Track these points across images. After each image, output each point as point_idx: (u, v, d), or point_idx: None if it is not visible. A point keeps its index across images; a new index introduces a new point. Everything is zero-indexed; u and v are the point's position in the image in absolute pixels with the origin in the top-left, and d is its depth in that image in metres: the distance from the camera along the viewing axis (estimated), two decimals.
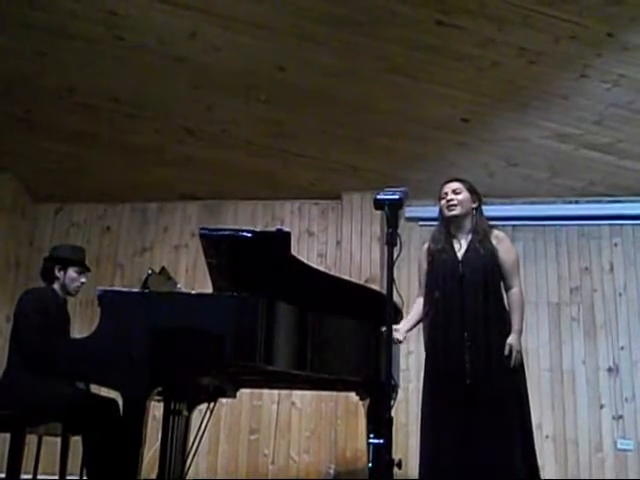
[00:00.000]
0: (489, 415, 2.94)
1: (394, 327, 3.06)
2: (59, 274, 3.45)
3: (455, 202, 3.22)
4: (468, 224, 3.24)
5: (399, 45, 4.03)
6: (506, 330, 3.08)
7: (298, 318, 2.95)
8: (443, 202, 3.26)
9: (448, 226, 3.27)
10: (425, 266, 3.28)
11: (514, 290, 3.17)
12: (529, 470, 2.97)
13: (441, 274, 3.16)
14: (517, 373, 3.07)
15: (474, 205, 3.26)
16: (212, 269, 3.33)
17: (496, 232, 3.25)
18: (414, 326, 3.28)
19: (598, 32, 3.80)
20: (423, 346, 3.27)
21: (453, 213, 3.22)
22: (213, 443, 5.08)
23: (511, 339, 3.05)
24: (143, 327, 2.75)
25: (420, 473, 3.04)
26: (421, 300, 3.27)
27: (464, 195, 3.24)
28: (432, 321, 3.15)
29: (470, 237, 3.21)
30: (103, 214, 5.79)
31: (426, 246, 3.32)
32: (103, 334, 2.79)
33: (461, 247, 3.20)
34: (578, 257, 5.24)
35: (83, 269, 3.53)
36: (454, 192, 3.25)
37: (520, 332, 3.10)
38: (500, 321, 3.10)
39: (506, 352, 3.02)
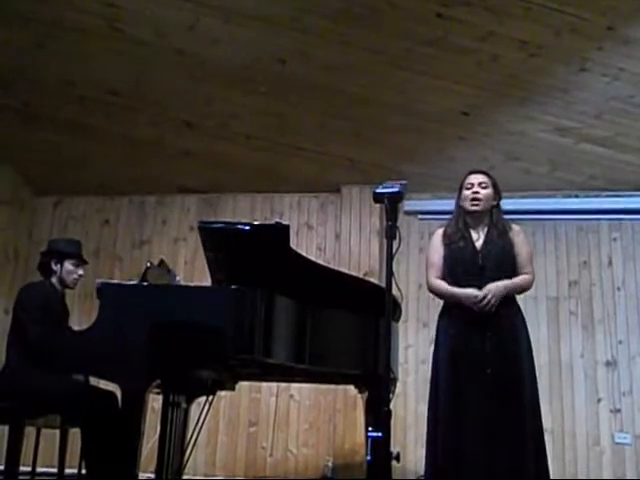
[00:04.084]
0: (508, 408, 2.94)
1: (476, 292, 3.01)
2: (56, 267, 3.46)
3: (480, 197, 3.18)
4: (486, 219, 3.22)
5: (399, 38, 4.02)
6: (521, 322, 3.11)
7: (297, 311, 2.96)
8: (467, 193, 3.21)
9: (465, 218, 3.24)
10: (441, 251, 3.21)
11: (527, 276, 3.16)
12: (540, 471, 2.96)
13: (460, 263, 3.13)
14: (530, 364, 3.08)
15: (494, 203, 3.24)
16: (211, 262, 3.33)
17: (513, 225, 3.26)
18: None
19: (598, 25, 3.79)
20: (434, 336, 3.23)
21: (476, 209, 3.19)
22: (212, 436, 5.09)
23: (492, 284, 3.02)
24: (142, 320, 2.75)
25: (433, 469, 3.00)
26: (438, 280, 3.17)
27: (489, 191, 3.22)
28: (450, 310, 3.12)
29: (487, 230, 3.19)
30: (102, 207, 5.79)
31: (441, 231, 3.27)
32: (102, 327, 2.79)
33: (479, 238, 3.18)
34: (577, 251, 5.25)
35: (79, 262, 3.53)
36: (480, 185, 3.21)
37: (505, 288, 3.04)
38: (515, 311, 3.12)
39: (480, 294, 3.00)
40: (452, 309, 3.14)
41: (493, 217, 3.22)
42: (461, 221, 3.23)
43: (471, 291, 3.03)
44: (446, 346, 3.10)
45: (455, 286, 3.11)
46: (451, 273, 3.15)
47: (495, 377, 2.96)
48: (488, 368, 2.97)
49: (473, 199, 3.19)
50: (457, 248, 3.16)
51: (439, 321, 3.22)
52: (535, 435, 3.00)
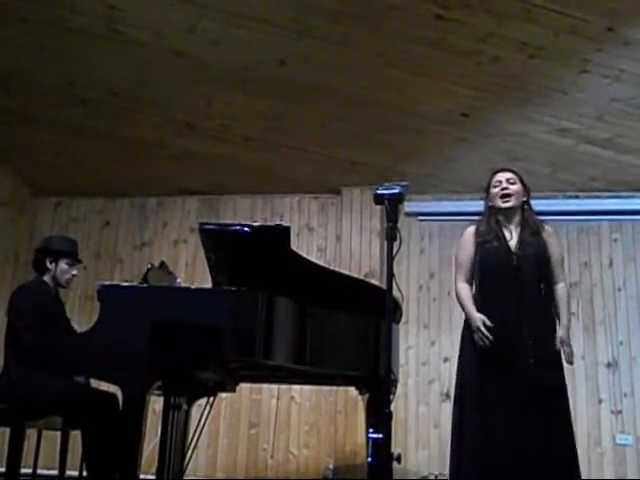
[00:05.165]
0: (551, 412, 2.93)
1: (480, 318, 3.00)
2: (50, 266, 3.45)
3: (510, 192, 3.16)
4: (517, 216, 3.19)
5: (399, 40, 4.02)
6: (555, 324, 3.08)
7: (297, 313, 2.95)
8: (496, 191, 3.18)
9: (496, 216, 3.20)
10: (471, 250, 3.18)
11: (562, 285, 3.15)
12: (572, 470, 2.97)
13: (493, 263, 3.10)
14: (563, 370, 3.06)
15: (524, 198, 3.21)
16: (211, 264, 3.33)
17: (545, 226, 3.22)
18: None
19: (599, 27, 3.78)
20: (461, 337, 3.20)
21: (508, 205, 3.15)
22: (213, 437, 5.09)
23: (562, 333, 3.03)
24: (142, 321, 2.75)
25: (460, 470, 2.98)
26: (465, 284, 3.16)
27: (518, 186, 3.19)
28: (485, 312, 3.05)
29: (520, 229, 3.16)
30: (102, 208, 5.80)
31: (473, 229, 3.23)
32: (103, 328, 2.79)
33: (512, 238, 3.14)
34: (578, 252, 5.25)
35: (74, 261, 3.52)
36: (508, 181, 3.19)
37: (568, 327, 3.08)
38: (550, 315, 3.09)
39: (557, 346, 3.01)
40: (486, 311, 3.06)
41: (525, 214, 3.19)
42: (493, 220, 3.19)
43: (483, 319, 2.99)
44: (474, 352, 3.06)
45: (488, 288, 3.09)
46: (483, 274, 3.12)
47: (538, 380, 2.92)
48: (527, 366, 2.94)
49: (503, 195, 3.16)
50: (491, 248, 3.11)
51: (465, 326, 3.17)
52: (568, 435, 2.99)
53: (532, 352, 2.95)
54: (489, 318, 3.01)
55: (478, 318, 3.01)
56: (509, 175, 3.22)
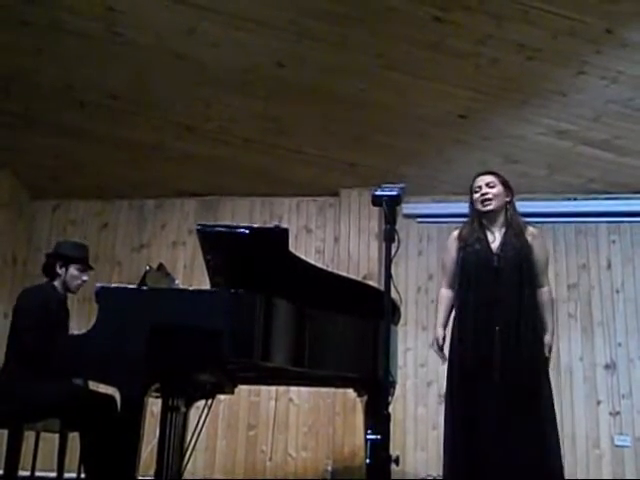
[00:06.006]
0: (523, 413, 2.90)
1: (439, 335, 3.16)
2: (60, 271, 3.43)
3: (490, 196, 3.15)
4: (501, 218, 3.18)
5: (397, 42, 4.03)
6: (539, 328, 3.05)
7: (296, 315, 2.95)
8: (476, 196, 3.19)
9: (480, 219, 3.20)
10: (454, 254, 3.20)
11: (546, 288, 3.15)
12: (558, 473, 2.94)
13: (473, 264, 3.09)
14: (546, 371, 3.04)
15: (507, 199, 3.20)
16: (210, 266, 3.33)
17: (531, 229, 3.20)
18: (448, 319, 3.22)
19: (597, 28, 3.79)
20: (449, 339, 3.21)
21: (488, 208, 3.15)
22: (211, 439, 5.08)
23: (548, 340, 3.06)
24: (141, 323, 2.75)
25: (451, 473, 2.99)
26: (446, 292, 3.22)
27: (498, 189, 3.18)
28: (461, 313, 3.08)
29: (504, 231, 3.15)
30: (101, 211, 5.79)
31: (456, 233, 3.24)
32: (101, 330, 2.79)
33: (495, 239, 3.13)
34: (576, 254, 5.25)
35: (85, 267, 3.51)
36: (488, 185, 3.18)
37: (554, 332, 3.11)
38: (533, 318, 3.04)
39: (547, 353, 3.03)
40: (461, 312, 3.10)
41: (508, 215, 3.18)
42: (477, 222, 3.19)
43: (437, 338, 3.17)
44: (460, 353, 3.07)
45: (467, 289, 3.09)
46: (465, 277, 3.12)
47: (505, 383, 2.91)
48: (497, 370, 2.93)
49: (483, 200, 3.16)
50: (472, 251, 3.12)
51: (452, 327, 3.18)
52: (555, 435, 2.96)
53: (508, 353, 2.93)
54: (465, 319, 3.05)
55: (434, 336, 3.19)
56: (489, 179, 3.21)
